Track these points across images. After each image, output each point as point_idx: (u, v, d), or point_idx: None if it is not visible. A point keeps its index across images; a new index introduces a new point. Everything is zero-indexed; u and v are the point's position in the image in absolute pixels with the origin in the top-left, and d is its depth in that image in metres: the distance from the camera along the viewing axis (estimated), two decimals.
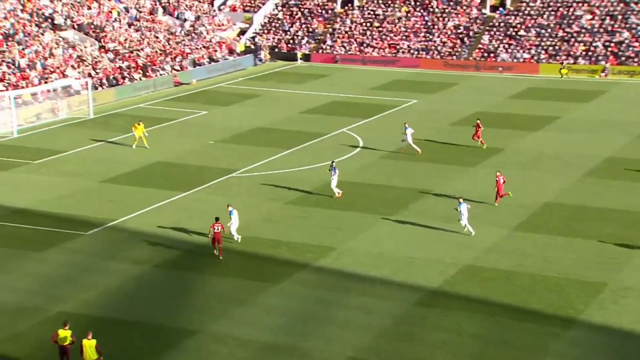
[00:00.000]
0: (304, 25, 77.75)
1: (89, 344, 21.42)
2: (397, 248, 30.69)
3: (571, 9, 71.44)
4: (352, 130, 48.64)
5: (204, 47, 70.00)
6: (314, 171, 40.38)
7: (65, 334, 21.87)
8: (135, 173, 39.99)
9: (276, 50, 75.25)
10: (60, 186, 37.97)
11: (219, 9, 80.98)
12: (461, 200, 31.72)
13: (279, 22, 78.80)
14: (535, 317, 25.26)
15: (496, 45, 70.36)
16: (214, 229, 29.55)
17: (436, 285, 27.47)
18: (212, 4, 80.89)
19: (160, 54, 65.04)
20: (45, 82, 54.00)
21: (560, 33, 69.67)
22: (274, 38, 76.81)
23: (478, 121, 44.95)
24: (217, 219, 29.83)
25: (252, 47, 74.88)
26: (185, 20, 73.74)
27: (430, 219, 33.60)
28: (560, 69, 65.80)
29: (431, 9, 75.59)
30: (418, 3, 76.48)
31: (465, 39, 71.74)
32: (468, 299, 26.42)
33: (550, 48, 68.76)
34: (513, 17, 72.74)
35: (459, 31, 72.71)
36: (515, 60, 68.47)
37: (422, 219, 33.59)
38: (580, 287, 27.18)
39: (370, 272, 28.52)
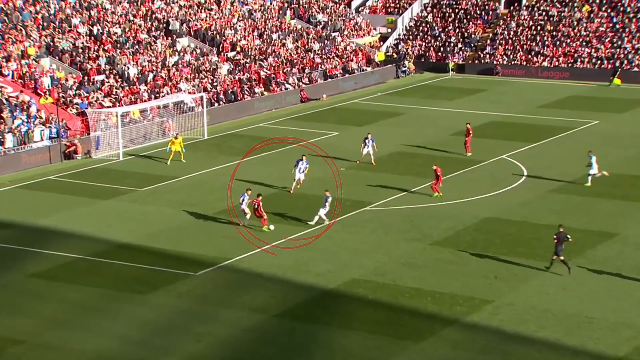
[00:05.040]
0: (458, 30, 77.69)
1: None
2: (570, 304, 29.93)
3: None
4: (514, 157, 47.95)
5: (337, 56, 71.36)
6: (466, 205, 40.02)
7: None
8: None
9: (423, 60, 75.60)
10: (168, 218, 39.58)
11: (357, 11, 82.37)
12: (327, 193, 37.46)
13: (428, 25, 79.14)
14: None
15: None
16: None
17: (622, 353, 26.60)
18: (349, 5, 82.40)
19: (286, 64, 66.87)
20: (156, 97, 56.70)
21: None
22: (421, 45, 77.20)
23: (468, 125, 46.81)
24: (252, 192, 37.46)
25: (395, 56, 75.60)
26: (317, 24, 75.49)
27: (614, 270, 32.57)
28: (612, 78, 65.59)
29: (620, 8, 73.57)
30: (604, 1, 74.64)
31: None
32: None
33: None
34: None
35: None
36: None
37: (604, 269, 32.62)
38: None
39: (536, 333, 27.95)
